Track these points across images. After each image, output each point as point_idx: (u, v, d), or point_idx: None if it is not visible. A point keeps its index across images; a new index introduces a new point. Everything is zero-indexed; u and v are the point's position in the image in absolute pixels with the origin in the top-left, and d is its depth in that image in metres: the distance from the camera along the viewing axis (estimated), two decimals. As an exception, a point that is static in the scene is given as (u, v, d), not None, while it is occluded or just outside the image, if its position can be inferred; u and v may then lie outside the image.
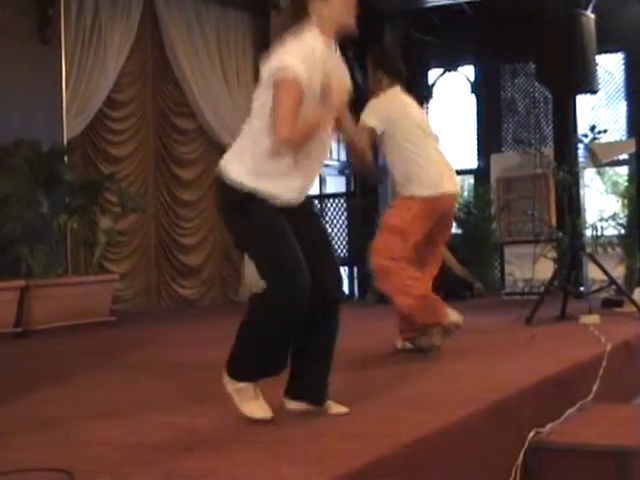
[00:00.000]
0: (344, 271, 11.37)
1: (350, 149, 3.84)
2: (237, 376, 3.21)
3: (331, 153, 10.12)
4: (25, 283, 6.90)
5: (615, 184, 10.56)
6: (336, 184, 12.05)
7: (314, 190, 10.77)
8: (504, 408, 3.54)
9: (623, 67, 11.08)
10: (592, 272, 8.86)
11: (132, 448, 2.93)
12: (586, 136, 9.25)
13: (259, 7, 10.26)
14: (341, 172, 12.04)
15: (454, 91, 12.15)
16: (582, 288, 8.58)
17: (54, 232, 7.45)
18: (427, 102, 11.90)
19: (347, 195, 11.74)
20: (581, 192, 9.76)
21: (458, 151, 11.59)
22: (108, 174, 8.67)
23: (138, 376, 4.70)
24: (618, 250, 9.67)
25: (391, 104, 5.15)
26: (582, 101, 10.53)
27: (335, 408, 3.36)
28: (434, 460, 2.93)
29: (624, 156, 10.49)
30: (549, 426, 3.72)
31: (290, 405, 3.37)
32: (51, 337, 6.78)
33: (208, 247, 10.02)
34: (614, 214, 9.91)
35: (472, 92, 11.94)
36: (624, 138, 10.90)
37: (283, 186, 3.24)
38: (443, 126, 11.34)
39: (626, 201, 10.01)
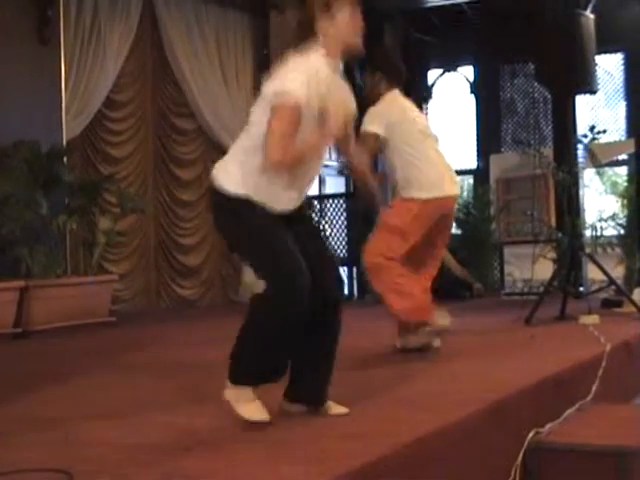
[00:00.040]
0: (343, 271, 11.37)
1: (352, 173, 3.82)
2: (237, 379, 3.18)
3: (330, 154, 10.12)
4: (24, 284, 6.90)
5: (614, 184, 10.57)
6: (336, 184, 12.06)
7: (314, 190, 10.79)
8: (503, 408, 3.55)
9: (622, 67, 11.09)
10: (591, 272, 8.86)
11: (131, 448, 2.93)
12: (585, 136, 9.25)
13: (258, 8, 10.26)
14: (340, 172, 12.04)
15: (453, 91, 12.16)
16: (581, 288, 8.57)
17: (53, 233, 7.45)
18: (426, 102, 11.91)
19: (346, 195, 11.73)
20: (580, 192, 9.76)
21: (457, 151, 11.60)
22: (107, 175, 8.67)
23: (137, 376, 4.70)
24: (617, 250, 9.67)
25: (390, 108, 5.16)
26: (581, 101, 10.54)
27: (335, 408, 3.36)
28: (434, 460, 2.93)
29: (623, 156, 10.49)
30: (548, 426, 3.72)
31: (290, 408, 3.37)
32: (50, 337, 6.78)
33: (207, 247, 10.02)
34: (613, 214, 9.92)
35: (471, 92, 11.95)
36: (623, 138, 10.90)
37: (275, 199, 3.24)
38: (442, 126, 11.35)
39: (625, 201, 10.02)
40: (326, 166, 10.69)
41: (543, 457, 3.53)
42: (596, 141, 9.36)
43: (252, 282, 7.34)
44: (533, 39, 7.29)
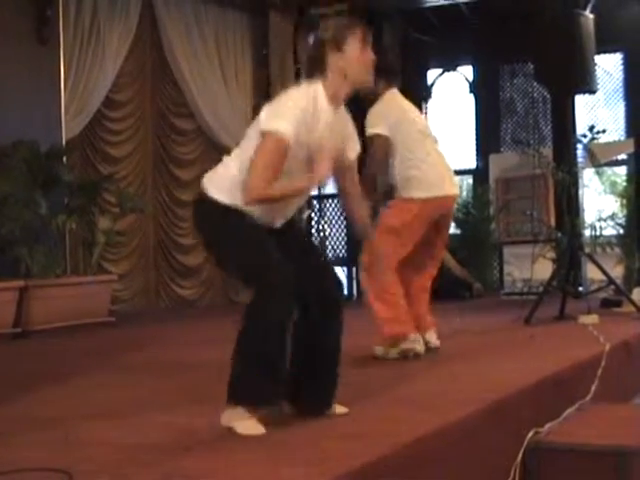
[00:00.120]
0: (343, 271, 11.38)
1: (349, 214, 3.70)
2: (237, 399, 3.10)
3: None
4: (24, 283, 6.90)
5: (614, 184, 10.56)
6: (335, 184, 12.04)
7: (313, 191, 10.80)
8: (503, 408, 3.55)
9: (622, 67, 11.08)
10: (591, 272, 8.86)
11: (131, 448, 2.93)
12: (585, 136, 9.25)
13: (257, 7, 10.26)
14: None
15: (453, 91, 12.15)
16: (581, 288, 8.58)
17: (53, 233, 7.46)
18: (426, 102, 11.91)
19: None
20: (580, 192, 9.75)
21: (457, 151, 11.59)
22: (107, 174, 8.67)
23: (137, 376, 4.70)
24: (617, 250, 9.67)
25: (390, 109, 5.14)
26: (581, 101, 10.54)
27: (335, 408, 3.36)
28: (433, 460, 2.93)
29: (623, 156, 10.49)
30: (548, 426, 3.72)
31: (290, 410, 3.36)
32: (50, 337, 6.78)
33: (207, 247, 10.00)
34: (613, 214, 9.92)
35: (471, 92, 11.94)
36: (623, 138, 10.90)
37: (261, 216, 3.23)
38: (442, 126, 11.34)
39: (625, 201, 10.02)
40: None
41: (543, 457, 3.53)
42: (595, 141, 9.36)
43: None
44: (532, 39, 7.29)
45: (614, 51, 10.88)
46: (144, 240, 9.59)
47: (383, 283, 4.96)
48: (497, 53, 11.16)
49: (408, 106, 5.28)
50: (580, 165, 9.47)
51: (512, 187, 11.05)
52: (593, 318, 6.46)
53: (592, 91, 7.36)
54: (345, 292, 11.14)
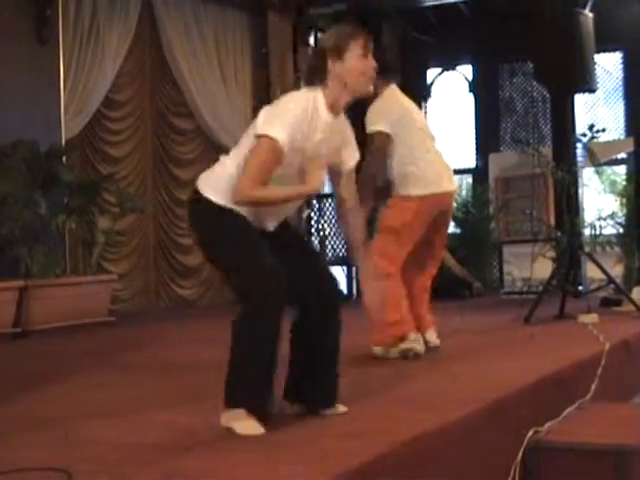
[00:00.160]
0: (342, 270, 11.38)
1: (343, 230, 3.64)
2: (234, 401, 3.10)
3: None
4: (24, 283, 6.90)
5: (613, 183, 10.57)
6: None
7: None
8: (503, 407, 3.55)
9: (621, 66, 11.09)
10: (591, 271, 8.87)
11: (131, 448, 2.93)
12: (584, 135, 9.25)
13: (257, 7, 10.26)
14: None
15: (452, 90, 12.16)
16: (581, 287, 8.58)
17: (52, 232, 7.45)
18: (425, 101, 11.91)
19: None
20: (579, 191, 9.75)
21: (456, 150, 11.59)
22: (106, 174, 8.67)
23: (137, 376, 4.70)
24: (616, 249, 9.68)
25: (391, 106, 5.11)
26: (580, 100, 10.55)
27: (336, 408, 3.36)
28: (433, 459, 2.93)
29: (622, 155, 10.49)
30: (548, 425, 3.72)
31: (289, 409, 3.36)
32: (50, 337, 6.78)
33: (207, 247, 10.00)
34: (612, 213, 9.92)
35: (470, 91, 11.95)
36: (622, 137, 10.91)
37: (253, 219, 3.23)
38: (441, 125, 11.35)
39: (624, 200, 10.02)
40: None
41: (542, 456, 3.53)
42: (595, 140, 9.36)
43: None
44: (532, 38, 7.29)
45: (614, 50, 10.89)
46: (144, 240, 9.59)
47: (386, 288, 4.94)
48: (496, 52, 11.17)
49: (408, 103, 5.26)
50: (580, 164, 9.47)
51: (512, 186, 11.06)
52: (593, 317, 6.47)
53: (592, 90, 7.36)
54: (345, 292, 11.17)
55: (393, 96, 5.16)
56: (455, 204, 10.99)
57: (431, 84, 12.10)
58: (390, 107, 5.10)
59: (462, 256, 10.14)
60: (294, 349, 3.35)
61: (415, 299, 5.14)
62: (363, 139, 4.58)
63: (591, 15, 7.03)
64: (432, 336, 5.14)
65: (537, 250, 8.92)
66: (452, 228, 11.06)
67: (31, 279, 7.01)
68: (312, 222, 11.35)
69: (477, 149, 11.86)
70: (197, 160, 9.91)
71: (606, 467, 3.44)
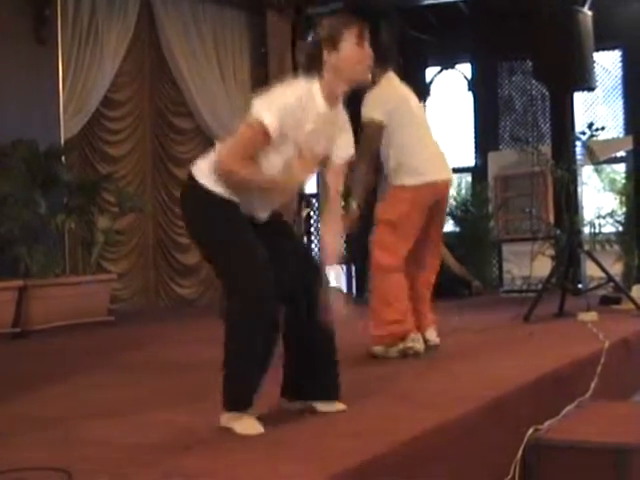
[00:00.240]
0: (341, 269, 11.38)
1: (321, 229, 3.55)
2: (232, 404, 3.12)
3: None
4: (23, 283, 6.90)
5: (613, 181, 10.56)
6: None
7: (312, 189, 10.79)
8: (502, 405, 3.55)
9: (620, 64, 11.07)
10: (590, 269, 8.87)
11: (131, 447, 2.93)
12: (584, 133, 9.25)
13: (255, 6, 10.25)
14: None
15: (451, 89, 12.15)
16: (580, 285, 8.59)
17: (52, 232, 7.45)
18: (424, 100, 11.90)
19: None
20: (579, 189, 9.75)
21: (455, 149, 11.59)
22: (106, 174, 8.67)
23: (137, 375, 4.70)
24: (616, 247, 9.69)
25: (388, 94, 5.06)
26: (579, 98, 10.55)
27: (335, 405, 3.37)
28: (433, 458, 2.93)
29: (622, 153, 10.50)
30: (547, 423, 3.73)
31: (289, 406, 3.37)
32: (49, 337, 6.78)
33: (206, 246, 9.99)
34: (612, 211, 9.93)
35: (469, 90, 11.94)
36: (621, 135, 10.90)
37: (243, 207, 3.23)
38: (440, 124, 11.34)
39: (624, 198, 10.03)
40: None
41: (542, 454, 3.54)
42: (594, 138, 9.37)
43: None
44: (531, 36, 7.28)
45: (613, 48, 10.88)
46: (143, 239, 9.59)
47: (391, 287, 4.94)
48: (495, 51, 11.16)
49: (406, 91, 5.19)
50: (579, 162, 9.47)
51: (511, 185, 11.06)
52: (592, 315, 6.47)
53: (591, 88, 7.36)
54: (344, 291, 11.13)
55: (390, 84, 5.11)
56: (454, 202, 11.05)
57: (430, 83, 12.09)
58: (387, 96, 5.05)
59: (461, 254, 10.14)
60: (287, 345, 3.34)
61: (417, 294, 5.11)
62: (359, 130, 4.56)
63: (590, 13, 7.02)
64: (432, 335, 5.14)
65: (536, 248, 8.92)
66: (451, 226, 11.08)
67: (30, 279, 7.01)
68: (312, 221, 11.34)
69: (476, 147, 11.86)
70: (196, 160, 9.90)
71: (605, 465, 3.44)
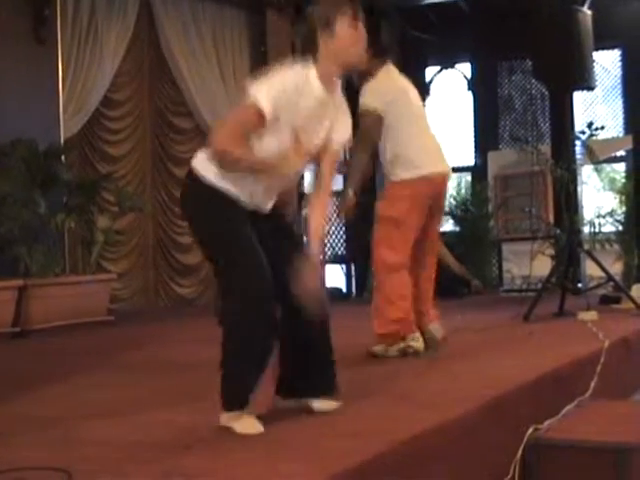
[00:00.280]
0: (341, 269, 11.39)
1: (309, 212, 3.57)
2: (231, 404, 3.12)
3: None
4: (23, 283, 6.90)
5: (612, 181, 10.57)
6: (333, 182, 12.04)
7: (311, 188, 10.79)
8: (502, 405, 3.55)
9: (620, 63, 11.08)
10: (590, 269, 8.87)
11: (131, 447, 2.93)
12: (583, 133, 9.25)
13: (255, 5, 10.25)
14: (338, 170, 12.02)
15: (451, 88, 12.15)
16: (580, 285, 8.59)
17: (52, 232, 7.45)
18: (424, 99, 11.89)
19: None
20: (578, 189, 9.75)
21: (455, 149, 11.59)
22: (105, 173, 8.67)
23: (136, 375, 4.70)
24: (616, 247, 9.69)
25: (387, 86, 5.02)
26: (579, 98, 10.55)
27: (327, 403, 3.36)
28: (432, 457, 2.93)
29: (621, 153, 10.50)
30: (547, 422, 3.72)
31: (283, 404, 3.37)
32: (49, 336, 6.78)
33: (206, 246, 10.00)
34: (612, 211, 9.94)
35: (469, 89, 11.94)
36: (621, 134, 10.91)
37: (250, 196, 3.22)
38: (440, 123, 11.34)
39: (624, 198, 10.03)
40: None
41: (542, 453, 3.53)
42: (594, 137, 9.36)
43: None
44: (530, 36, 7.28)
45: (612, 47, 10.88)
46: (143, 239, 9.59)
47: (394, 283, 4.93)
48: (495, 50, 11.17)
49: (405, 83, 5.14)
50: (579, 162, 9.47)
51: (511, 184, 11.06)
52: (592, 315, 6.47)
53: (590, 88, 7.36)
54: (344, 290, 11.13)
55: (389, 77, 5.06)
56: (454, 202, 11.05)
57: (430, 82, 12.09)
58: (385, 88, 5.01)
59: (461, 254, 10.14)
60: (282, 343, 3.33)
61: (419, 293, 5.08)
62: (357, 119, 4.54)
63: (590, 12, 7.02)
64: (437, 329, 5.11)
65: (536, 248, 8.92)
66: (451, 226, 11.10)
67: (30, 278, 7.01)
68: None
69: (476, 147, 11.86)
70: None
71: (605, 464, 3.44)
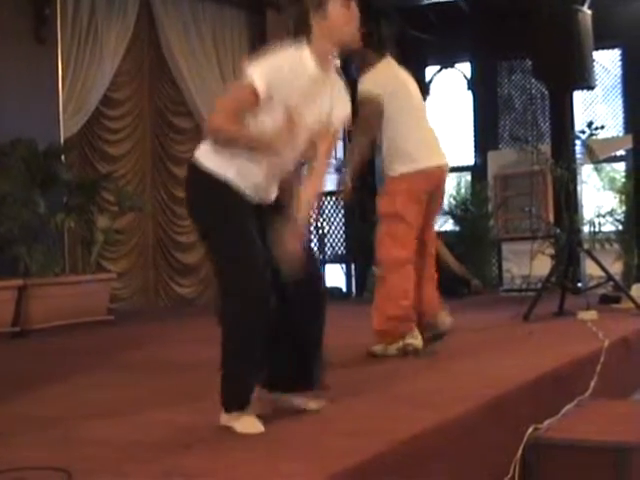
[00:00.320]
0: (341, 268, 11.38)
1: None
2: (231, 403, 3.12)
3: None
4: (23, 282, 6.90)
5: (612, 180, 10.56)
6: (333, 181, 12.03)
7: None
8: (502, 404, 3.55)
9: (620, 63, 11.07)
10: (590, 268, 8.87)
11: (131, 446, 2.93)
12: (583, 132, 9.25)
13: (255, 5, 10.25)
14: (338, 170, 12.02)
15: (451, 88, 12.15)
16: (580, 284, 8.59)
17: (51, 231, 7.45)
18: (424, 99, 11.89)
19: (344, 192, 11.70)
20: (578, 188, 9.75)
21: (455, 148, 11.58)
22: (105, 173, 8.67)
23: (136, 375, 4.70)
24: (616, 246, 9.69)
25: (386, 77, 5.00)
26: (579, 97, 10.54)
27: (311, 403, 3.37)
28: (432, 457, 2.93)
29: (621, 152, 10.50)
30: (547, 422, 3.73)
31: (267, 396, 3.36)
32: (49, 336, 6.78)
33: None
34: (611, 210, 9.93)
35: (469, 89, 11.93)
36: (621, 134, 10.90)
37: (253, 185, 3.22)
38: (440, 123, 11.33)
39: (623, 197, 10.03)
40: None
41: (542, 453, 3.54)
42: (594, 137, 9.36)
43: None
44: (530, 35, 7.28)
45: (612, 47, 10.88)
46: (143, 238, 9.59)
47: (397, 279, 4.92)
48: (495, 50, 11.16)
49: (405, 75, 5.12)
50: (579, 161, 9.47)
51: (510, 184, 11.06)
52: (592, 314, 6.47)
53: (590, 87, 7.36)
54: (344, 289, 11.11)
55: (388, 68, 5.04)
56: (454, 201, 11.05)
57: (429, 82, 12.09)
58: (386, 79, 4.99)
59: (461, 254, 10.13)
60: (273, 338, 3.31)
61: (421, 292, 5.06)
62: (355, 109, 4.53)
63: (590, 12, 7.02)
64: (444, 318, 5.09)
65: (536, 247, 8.91)
66: (451, 226, 11.09)
67: (30, 278, 7.00)
68: (311, 220, 11.34)
69: (476, 147, 11.85)
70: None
71: (605, 464, 3.45)
